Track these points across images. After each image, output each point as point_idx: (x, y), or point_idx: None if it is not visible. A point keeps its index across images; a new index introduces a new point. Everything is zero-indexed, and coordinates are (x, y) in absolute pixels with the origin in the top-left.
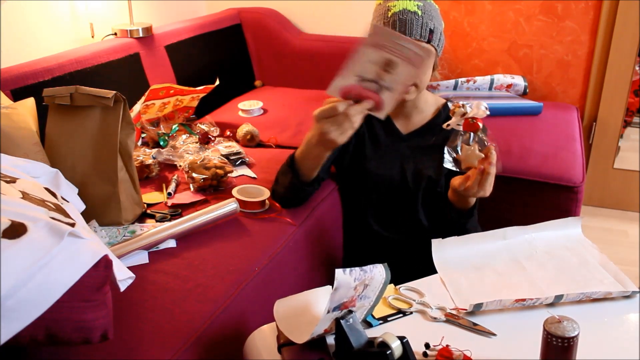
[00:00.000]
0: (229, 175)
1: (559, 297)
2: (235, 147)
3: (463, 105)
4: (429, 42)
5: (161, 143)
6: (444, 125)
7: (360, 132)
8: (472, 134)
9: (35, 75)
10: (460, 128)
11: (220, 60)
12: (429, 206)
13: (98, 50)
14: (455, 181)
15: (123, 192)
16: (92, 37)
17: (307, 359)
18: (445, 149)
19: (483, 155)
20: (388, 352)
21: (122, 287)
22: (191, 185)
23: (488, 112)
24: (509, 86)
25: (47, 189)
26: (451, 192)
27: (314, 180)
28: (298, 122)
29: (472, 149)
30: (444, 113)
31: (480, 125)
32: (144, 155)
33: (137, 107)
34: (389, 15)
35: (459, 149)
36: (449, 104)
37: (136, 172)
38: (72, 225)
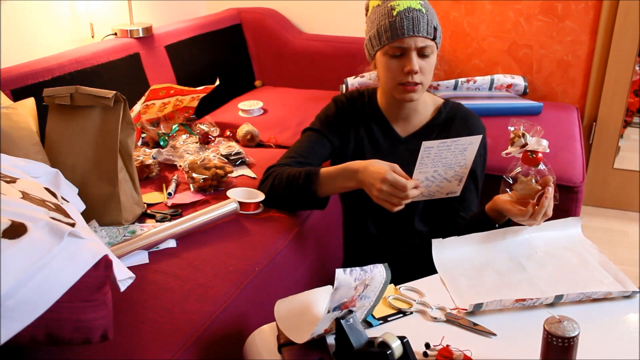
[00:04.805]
0: (229, 175)
1: (559, 297)
2: (235, 147)
3: (523, 135)
4: (433, 39)
5: (161, 143)
6: (503, 154)
7: (359, 136)
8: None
9: (35, 75)
10: (519, 156)
11: (220, 60)
12: (430, 210)
13: (98, 50)
14: (507, 206)
15: (123, 192)
16: (92, 37)
17: (307, 359)
18: (503, 177)
19: (540, 188)
20: (388, 352)
21: (122, 287)
22: (191, 185)
23: (548, 150)
24: (509, 86)
25: (47, 189)
26: (493, 210)
27: (324, 200)
28: (298, 122)
29: (528, 182)
30: (443, 113)
31: (540, 159)
32: (144, 155)
33: (137, 107)
34: (394, 14)
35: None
36: (510, 128)
37: (136, 172)
38: (72, 225)
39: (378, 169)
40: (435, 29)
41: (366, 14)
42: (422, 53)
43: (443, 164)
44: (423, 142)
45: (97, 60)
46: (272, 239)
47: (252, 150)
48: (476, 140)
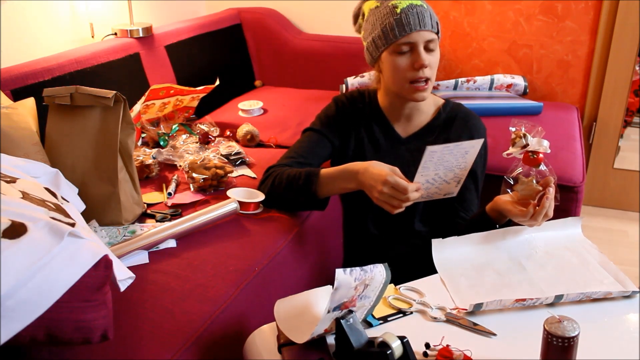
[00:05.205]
0: (229, 175)
1: (559, 297)
2: (235, 147)
3: (524, 135)
4: (437, 33)
5: (161, 143)
6: (504, 154)
7: (360, 136)
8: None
9: (35, 75)
10: (520, 157)
11: (220, 60)
12: (430, 210)
13: (98, 50)
14: (508, 206)
15: (123, 192)
16: (92, 37)
17: (307, 359)
18: (504, 177)
19: (541, 189)
20: (388, 352)
21: (122, 287)
22: (191, 185)
23: (549, 151)
24: (509, 86)
25: (47, 189)
26: (494, 211)
27: (324, 201)
28: (298, 122)
29: (529, 182)
30: (443, 113)
31: (541, 160)
32: (144, 155)
33: (137, 107)
34: (398, 12)
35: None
36: (511, 129)
37: (136, 172)
38: (72, 225)
39: (379, 171)
40: (437, 23)
41: (355, 22)
42: (428, 47)
43: (444, 167)
44: (427, 147)
45: (97, 60)
46: (272, 239)
47: (252, 150)
48: (478, 143)
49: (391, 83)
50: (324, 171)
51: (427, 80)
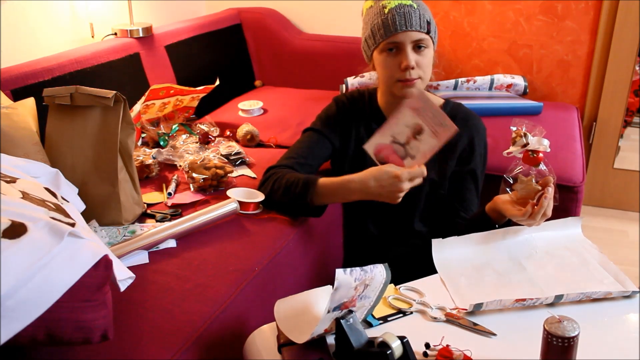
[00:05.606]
0: (229, 175)
1: (559, 297)
2: (235, 147)
3: (525, 135)
4: (427, 32)
5: (161, 143)
6: (504, 153)
7: (360, 136)
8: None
9: (35, 75)
10: (520, 156)
11: (220, 60)
12: (430, 210)
13: (98, 50)
14: (506, 206)
15: (123, 192)
16: (92, 37)
17: (307, 359)
18: (504, 176)
19: (540, 188)
20: (388, 352)
21: (122, 287)
22: (191, 185)
23: (549, 149)
24: (509, 86)
25: (47, 189)
26: (493, 211)
27: (321, 209)
28: (298, 122)
29: (528, 182)
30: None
31: (541, 159)
32: (144, 155)
33: (137, 107)
34: (386, 12)
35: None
36: (512, 128)
37: (136, 172)
38: (72, 225)
39: (388, 175)
40: (428, 22)
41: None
42: (417, 47)
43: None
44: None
45: (97, 60)
46: (272, 239)
47: (252, 150)
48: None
49: (382, 81)
50: (322, 181)
51: (415, 78)
